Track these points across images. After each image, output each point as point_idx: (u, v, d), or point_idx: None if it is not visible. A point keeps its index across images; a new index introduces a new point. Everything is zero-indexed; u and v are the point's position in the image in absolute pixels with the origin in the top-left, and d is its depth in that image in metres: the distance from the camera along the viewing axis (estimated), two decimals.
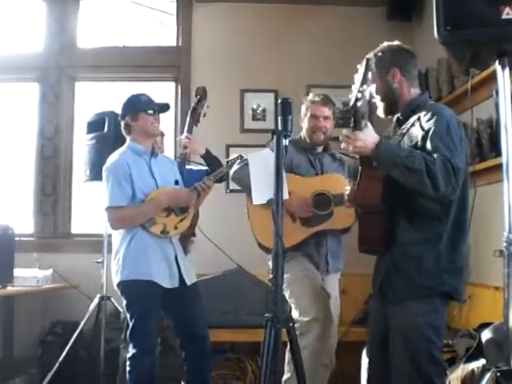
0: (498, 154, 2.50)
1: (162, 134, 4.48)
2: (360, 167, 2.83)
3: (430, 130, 2.62)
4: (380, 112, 2.95)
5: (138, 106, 3.75)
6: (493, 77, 2.57)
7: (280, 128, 2.71)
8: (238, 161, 3.97)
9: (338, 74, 5.36)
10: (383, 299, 2.84)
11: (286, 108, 2.77)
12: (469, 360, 3.20)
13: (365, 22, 5.77)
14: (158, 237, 3.65)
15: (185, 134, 4.22)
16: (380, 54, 2.91)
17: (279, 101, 2.82)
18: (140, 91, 3.86)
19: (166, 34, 6.17)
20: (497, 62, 2.37)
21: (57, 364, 4.61)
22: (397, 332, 2.73)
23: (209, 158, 4.24)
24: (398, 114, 2.89)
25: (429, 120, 2.66)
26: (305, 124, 4.05)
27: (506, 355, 2.26)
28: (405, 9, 5.72)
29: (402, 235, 2.75)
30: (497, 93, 2.46)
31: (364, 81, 2.71)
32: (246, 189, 3.94)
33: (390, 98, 2.89)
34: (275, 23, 5.77)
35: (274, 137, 2.68)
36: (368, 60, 2.77)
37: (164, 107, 3.88)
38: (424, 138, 2.64)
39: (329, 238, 3.98)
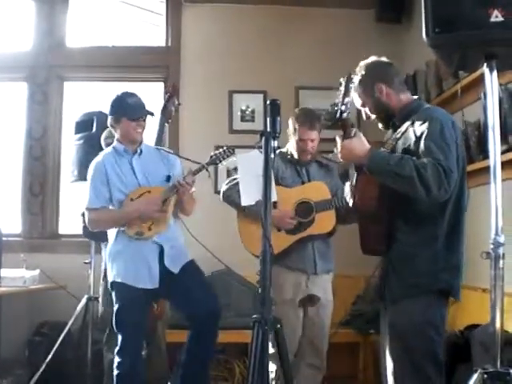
0: (486, 156, 2.51)
1: None
2: (356, 172, 2.88)
3: (423, 133, 2.66)
4: (381, 127, 3.01)
5: (121, 109, 3.73)
6: (481, 79, 2.58)
7: (268, 129, 2.71)
8: (227, 181, 4.13)
9: (327, 75, 5.36)
10: (384, 299, 2.90)
11: (274, 109, 2.77)
12: (456, 361, 3.21)
13: (354, 24, 5.79)
14: (134, 238, 3.67)
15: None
16: (359, 76, 2.94)
17: (268, 102, 2.83)
18: (128, 90, 3.84)
19: (155, 34, 6.16)
20: (485, 64, 2.38)
21: (44, 365, 4.59)
22: (393, 330, 2.79)
23: None
24: (395, 119, 2.92)
25: (422, 124, 2.70)
26: (292, 142, 4.11)
27: (493, 357, 2.26)
28: (394, 11, 5.74)
29: (400, 236, 2.80)
30: (485, 95, 2.47)
31: (346, 93, 2.78)
32: (237, 207, 4.05)
33: (383, 112, 2.94)
34: (264, 25, 5.77)
35: (263, 138, 2.68)
36: (350, 74, 2.81)
37: (149, 114, 3.82)
38: (417, 142, 2.69)
39: (316, 241, 4.06)
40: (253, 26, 5.82)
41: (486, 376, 2.23)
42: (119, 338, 3.61)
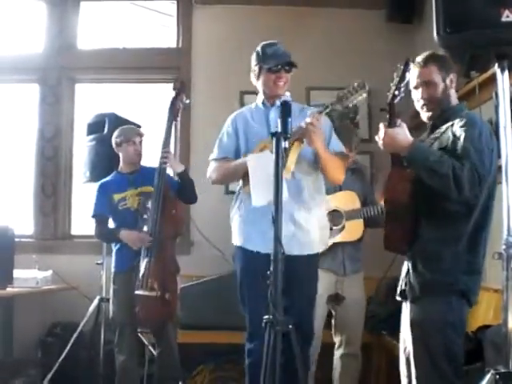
0: (498, 155, 2.50)
1: (141, 135, 4.48)
2: (391, 166, 2.91)
3: (461, 135, 2.69)
4: (425, 117, 2.97)
5: (259, 60, 3.50)
6: (493, 79, 2.57)
7: (280, 130, 2.72)
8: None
9: (338, 75, 5.37)
10: (405, 298, 2.93)
11: (285, 110, 2.77)
12: (468, 362, 3.20)
13: (365, 24, 5.77)
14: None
15: (162, 148, 4.23)
16: (442, 54, 2.88)
17: (279, 103, 2.83)
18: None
19: (166, 36, 6.17)
20: (496, 64, 2.37)
21: (56, 365, 4.62)
22: (413, 328, 2.82)
23: (184, 177, 4.30)
24: (435, 119, 2.93)
25: (462, 126, 2.72)
26: None
27: (505, 358, 2.26)
28: (405, 11, 5.70)
29: (423, 234, 2.83)
30: (496, 95, 2.46)
31: (402, 78, 2.78)
32: None
33: (440, 101, 2.90)
34: (275, 25, 5.75)
35: (274, 139, 2.68)
36: (408, 59, 2.81)
37: (290, 65, 3.50)
38: (454, 143, 2.72)
39: (346, 246, 4.26)
40: (263, 26, 5.80)
41: (498, 377, 2.22)
42: (247, 318, 3.34)
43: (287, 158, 3.14)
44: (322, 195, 3.51)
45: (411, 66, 2.81)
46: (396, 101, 2.80)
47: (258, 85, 3.53)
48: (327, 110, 3.24)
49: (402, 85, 2.79)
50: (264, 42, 3.54)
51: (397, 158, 2.84)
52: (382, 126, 2.82)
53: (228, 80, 5.80)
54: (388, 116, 2.82)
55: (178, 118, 4.40)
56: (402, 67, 2.80)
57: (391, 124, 2.79)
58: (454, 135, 2.73)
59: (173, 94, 4.38)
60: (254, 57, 3.54)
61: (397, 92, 2.79)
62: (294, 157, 3.22)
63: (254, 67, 3.53)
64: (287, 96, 3.41)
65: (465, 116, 2.80)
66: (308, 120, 3.17)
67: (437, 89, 2.88)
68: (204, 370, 5.07)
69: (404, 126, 2.79)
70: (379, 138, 2.82)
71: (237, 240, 3.47)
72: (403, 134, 2.76)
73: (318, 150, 3.24)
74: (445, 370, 2.68)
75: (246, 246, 3.39)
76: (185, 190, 4.33)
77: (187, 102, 4.43)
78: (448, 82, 2.89)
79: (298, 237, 3.32)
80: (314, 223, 3.39)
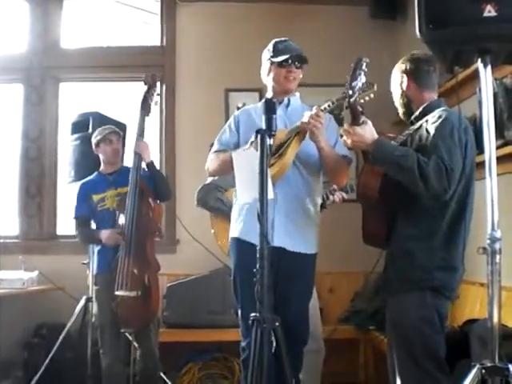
0: (482, 151, 2.51)
1: (119, 134, 4.45)
2: (364, 162, 2.96)
3: (433, 131, 2.73)
4: (400, 115, 3.09)
5: (270, 55, 3.43)
6: (476, 74, 2.59)
7: (264, 127, 2.72)
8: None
9: (323, 72, 5.37)
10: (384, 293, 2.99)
11: (270, 107, 2.78)
12: (454, 356, 3.21)
13: (349, 21, 5.79)
14: None
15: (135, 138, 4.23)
16: (399, 62, 3.02)
17: (263, 100, 2.83)
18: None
19: (150, 34, 6.15)
20: (479, 59, 2.38)
21: (43, 367, 4.58)
22: (390, 324, 2.86)
23: (152, 169, 4.26)
24: (412, 117, 2.99)
25: (434, 122, 2.76)
26: None
27: (491, 351, 2.26)
28: (388, 7, 5.73)
29: (399, 229, 2.86)
30: (480, 90, 2.47)
31: (353, 78, 2.79)
32: (211, 210, 4.25)
33: (403, 102, 3.02)
34: (259, 22, 5.75)
35: (258, 136, 2.68)
36: (360, 59, 2.82)
37: (300, 60, 3.42)
38: (426, 139, 2.75)
39: None
40: (248, 23, 5.81)
41: (484, 371, 2.22)
42: (239, 314, 3.29)
43: (286, 151, 3.18)
44: (318, 200, 3.49)
45: (364, 64, 2.82)
46: (353, 99, 2.79)
47: (268, 81, 3.48)
48: (332, 106, 3.19)
49: (356, 83, 2.78)
50: (276, 39, 3.50)
51: (368, 153, 2.85)
52: (346, 125, 2.82)
53: (213, 77, 5.79)
54: (351, 115, 2.82)
55: (150, 113, 4.34)
56: (353, 66, 2.81)
57: (355, 122, 2.79)
58: (428, 132, 2.76)
59: (144, 88, 4.35)
60: (264, 53, 3.51)
61: (351, 92, 2.78)
62: (293, 151, 3.21)
63: (265, 63, 3.50)
64: (296, 95, 3.50)
65: (439, 112, 2.83)
66: (309, 113, 3.16)
67: (395, 94, 3.06)
68: (192, 368, 5.07)
69: (369, 123, 2.81)
70: (347, 136, 2.82)
71: (233, 231, 3.41)
72: (369, 131, 2.79)
73: (320, 143, 3.18)
74: (425, 365, 2.69)
75: (241, 236, 3.32)
76: (155, 183, 4.27)
77: (158, 95, 4.42)
78: (402, 84, 2.98)
79: (294, 233, 3.29)
80: (311, 223, 3.38)
